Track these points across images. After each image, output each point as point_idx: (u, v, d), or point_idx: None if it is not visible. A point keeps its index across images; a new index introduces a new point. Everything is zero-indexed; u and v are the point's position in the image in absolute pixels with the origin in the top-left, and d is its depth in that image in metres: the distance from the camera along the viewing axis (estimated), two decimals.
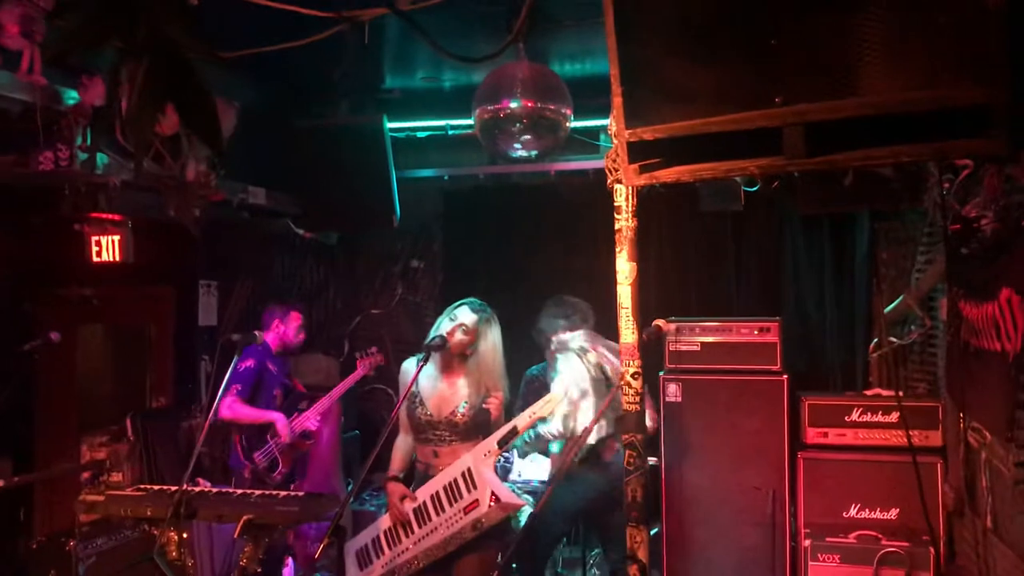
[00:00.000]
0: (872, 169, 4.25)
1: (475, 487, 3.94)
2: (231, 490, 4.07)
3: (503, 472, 5.68)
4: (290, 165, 5.97)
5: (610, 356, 4.94)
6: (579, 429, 4.76)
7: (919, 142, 2.00)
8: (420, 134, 6.45)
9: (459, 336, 4.07)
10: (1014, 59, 1.74)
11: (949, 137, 1.95)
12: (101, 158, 4.45)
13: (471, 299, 4.23)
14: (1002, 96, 1.74)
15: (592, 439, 4.82)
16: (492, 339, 4.16)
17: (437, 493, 4.06)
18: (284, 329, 5.69)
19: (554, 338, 5.09)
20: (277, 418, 5.41)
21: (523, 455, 5.78)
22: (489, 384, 4.12)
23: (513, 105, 4.77)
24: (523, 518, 4.65)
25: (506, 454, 5.23)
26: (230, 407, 5.29)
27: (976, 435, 4.08)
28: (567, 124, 4.97)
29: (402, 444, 4.32)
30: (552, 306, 5.24)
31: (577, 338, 5.03)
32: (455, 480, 4.01)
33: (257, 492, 3.88)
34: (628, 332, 2.77)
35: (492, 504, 3.87)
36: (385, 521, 4.26)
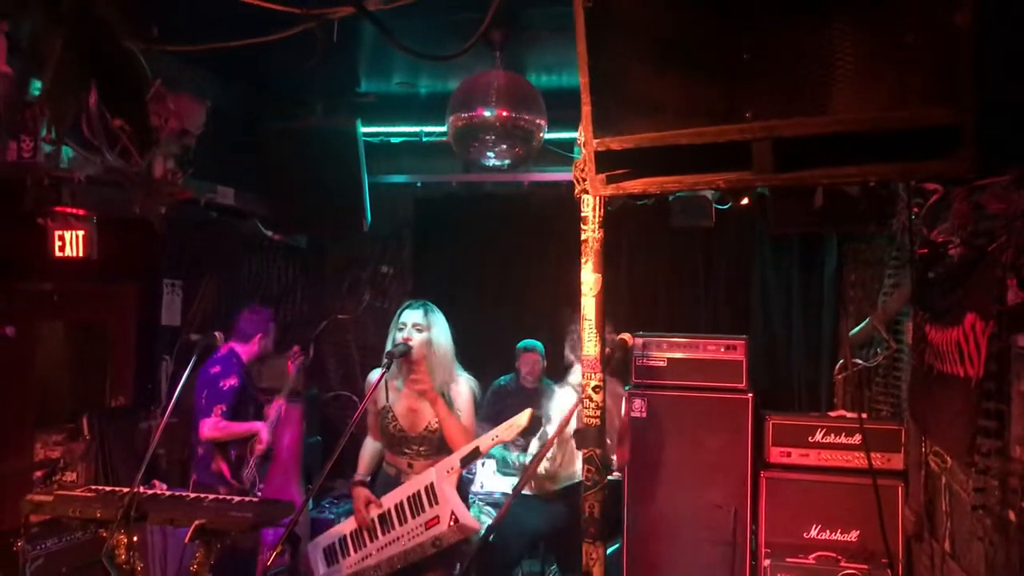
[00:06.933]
0: (840, 187, 4.26)
1: (436, 503, 3.92)
2: (185, 493, 3.98)
3: (466, 483, 5.64)
4: (261, 166, 5.89)
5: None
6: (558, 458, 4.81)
7: (887, 162, 1.99)
8: (394, 139, 6.39)
9: (416, 335, 4.04)
10: (983, 79, 1.73)
11: (917, 158, 1.93)
12: (66, 151, 4.35)
13: (407, 302, 4.23)
14: (969, 117, 1.73)
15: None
16: (441, 325, 4.16)
17: (401, 503, 4.04)
18: (267, 343, 5.49)
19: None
20: (260, 427, 5.28)
21: (503, 473, 5.77)
22: (446, 377, 4.11)
23: (487, 114, 4.73)
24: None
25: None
26: (216, 427, 5.08)
27: (937, 459, 4.09)
28: (541, 135, 4.95)
29: (370, 447, 4.33)
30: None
31: (576, 373, 5.05)
32: (418, 493, 3.99)
33: (211, 496, 3.79)
34: (591, 344, 2.74)
35: (451, 524, 3.85)
36: (351, 523, 4.24)
